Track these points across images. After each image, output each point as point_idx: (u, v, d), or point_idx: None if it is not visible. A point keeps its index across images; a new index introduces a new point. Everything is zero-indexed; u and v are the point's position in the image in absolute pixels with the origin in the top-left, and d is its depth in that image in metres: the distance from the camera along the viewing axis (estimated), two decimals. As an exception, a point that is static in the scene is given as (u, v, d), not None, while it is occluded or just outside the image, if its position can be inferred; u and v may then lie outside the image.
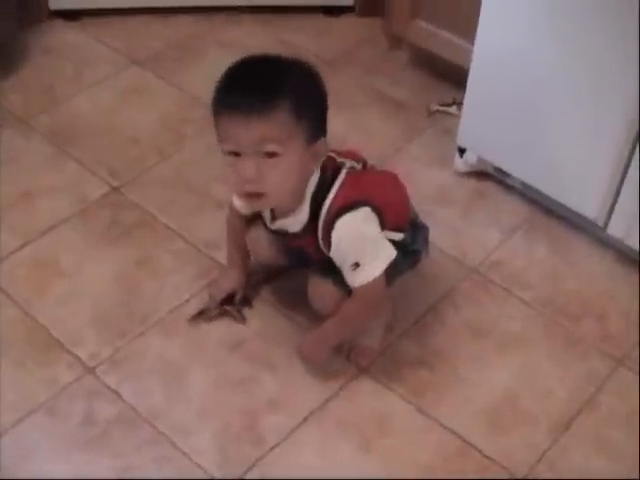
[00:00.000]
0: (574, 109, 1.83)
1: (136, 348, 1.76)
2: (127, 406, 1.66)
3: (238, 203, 1.75)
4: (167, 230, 2.00)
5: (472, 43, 1.95)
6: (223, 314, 1.82)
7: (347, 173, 1.61)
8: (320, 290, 1.66)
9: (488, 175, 2.14)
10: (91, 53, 2.50)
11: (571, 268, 1.96)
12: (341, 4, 2.66)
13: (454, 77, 2.26)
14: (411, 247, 1.70)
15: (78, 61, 2.47)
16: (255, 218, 1.75)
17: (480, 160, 2.10)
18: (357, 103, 2.37)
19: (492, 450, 1.63)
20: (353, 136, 2.21)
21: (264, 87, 1.49)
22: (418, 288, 1.88)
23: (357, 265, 1.56)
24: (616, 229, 1.91)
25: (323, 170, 1.60)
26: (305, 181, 1.57)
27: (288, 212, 1.62)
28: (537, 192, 2.03)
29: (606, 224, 1.92)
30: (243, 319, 1.82)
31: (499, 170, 2.09)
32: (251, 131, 1.47)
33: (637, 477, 1.60)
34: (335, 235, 1.57)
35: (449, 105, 2.33)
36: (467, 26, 1.99)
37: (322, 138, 1.56)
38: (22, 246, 1.94)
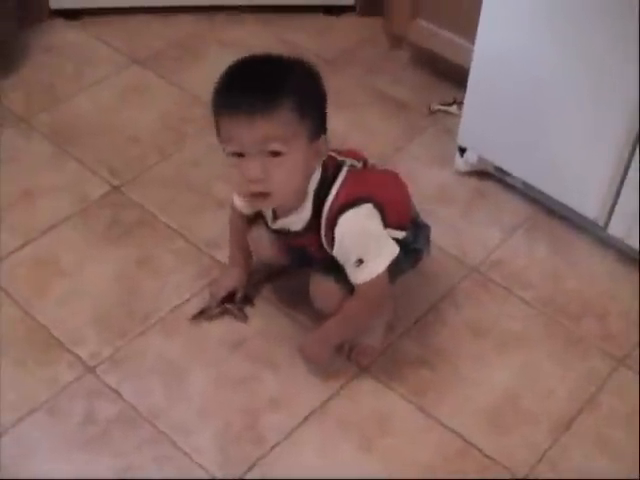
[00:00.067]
0: (574, 109, 1.83)
1: (137, 347, 1.76)
2: (127, 405, 1.66)
3: (239, 203, 1.75)
4: (168, 229, 2.00)
5: (473, 43, 1.95)
6: (224, 313, 1.82)
7: (348, 171, 1.62)
8: (322, 288, 1.66)
9: (489, 174, 2.14)
10: (92, 52, 2.50)
11: (572, 268, 1.97)
12: (342, 3, 2.66)
13: (455, 77, 2.26)
14: (413, 246, 1.70)
15: (79, 60, 2.47)
16: (257, 217, 1.75)
17: (481, 159, 2.10)
18: (358, 102, 2.37)
19: (493, 450, 1.63)
20: (354, 135, 2.21)
21: (266, 86, 1.49)
22: (419, 287, 1.88)
23: (361, 262, 1.56)
24: (617, 229, 1.91)
25: (324, 168, 1.60)
26: (308, 179, 1.58)
27: (290, 211, 1.62)
28: (538, 192, 2.03)
29: (607, 224, 1.92)
30: (244, 318, 1.82)
31: (500, 170, 2.09)
32: (255, 131, 1.47)
33: (637, 477, 1.60)
34: (338, 232, 1.57)
35: (450, 104, 2.33)
36: (468, 26, 1.99)
37: (323, 136, 1.56)
38: (22, 245, 1.94)
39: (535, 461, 1.62)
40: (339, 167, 1.61)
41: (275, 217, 1.67)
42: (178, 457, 1.59)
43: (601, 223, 1.93)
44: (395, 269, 1.62)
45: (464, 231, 2.03)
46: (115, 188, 2.09)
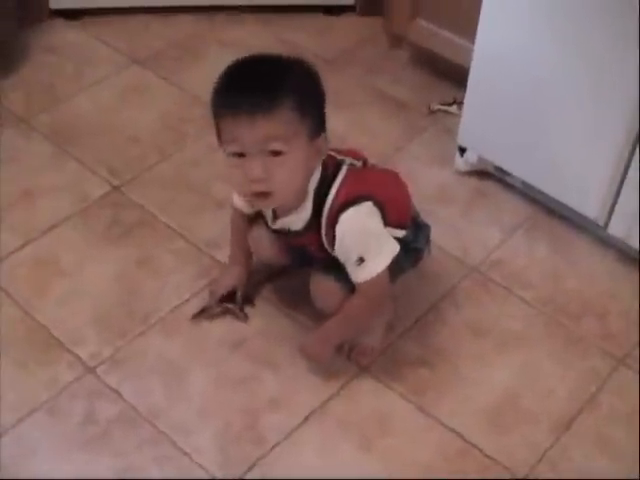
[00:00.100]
0: (574, 109, 1.83)
1: (137, 347, 1.76)
2: (128, 405, 1.66)
3: (239, 202, 1.75)
4: (168, 229, 2.00)
5: (473, 42, 1.95)
6: (225, 312, 1.82)
7: (348, 169, 1.62)
8: (322, 287, 1.66)
9: (489, 174, 2.14)
10: (92, 52, 2.50)
11: (572, 267, 1.96)
12: (342, 3, 2.66)
13: (455, 76, 2.26)
14: (413, 245, 1.70)
15: (79, 60, 2.47)
16: (257, 217, 1.75)
17: (481, 159, 2.10)
18: (357, 102, 2.37)
19: (493, 449, 1.63)
20: (354, 135, 2.21)
21: (266, 86, 1.49)
22: (419, 287, 1.88)
23: (362, 260, 1.57)
24: (617, 228, 1.91)
25: (324, 167, 1.60)
26: (308, 178, 1.58)
27: (290, 210, 1.62)
28: (538, 191, 2.03)
29: (607, 223, 1.92)
30: (245, 317, 1.82)
31: (500, 169, 2.09)
32: (256, 130, 1.47)
33: (637, 477, 1.60)
34: (339, 230, 1.57)
35: (450, 104, 2.33)
36: (468, 25, 1.99)
37: (323, 134, 1.57)
38: (23, 245, 1.94)
39: (535, 461, 1.62)
40: (339, 166, 1.62)
41: (275, 217, 1.67)
42: (178, 457, 1.59)
43: (601, 223, 1.93)
44: (395, 268, 1.62)
45: (464, 231, 2.03)
46: (115, 188, 2.09)
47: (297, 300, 1.83)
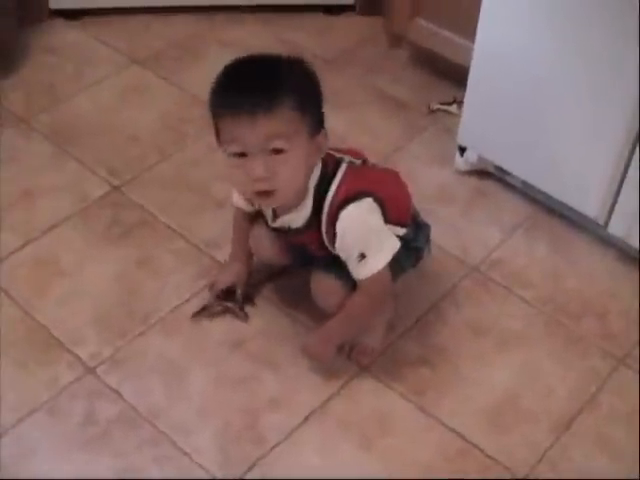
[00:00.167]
0: (574, 108, 1.83)
1: (137, 347, 1.76)
2: (128, 405, 1.66)
3: (239, 201, 1.76)
4: (167, 230, 2.00)
5: (472, 42, 1.95)
6: (225, 311, 1.82)
7: (348, 167, 1.62)
8: (323, 286, 1.66)
9: (489, 174, 2.14)
10: (92, 52, 2.50)
11: (572, 267, 1.96)
12: (341, 3, 2.66)
13: (454, 76, 2.26)
14: (413, 244, 1.70)
15: (79, 60, 2.47)
16: (257, 216, 1.75)
17: (481, 159, 2.10)
18: (357, 102, 2.37)
19: (493, 449, 1.63)
20: (354, 135, 2.21)
21: (265, 85, 1.49)
22: (419, 286, 1.88)
23: (363, 256, 1.57)
24: (617, 228, 1.91)
25: (324, 164, 1.60)
26: (309, 175, 1.58)
27: (291, 208, 1.62)
28: (538, 191, 2.03)
29: (607, 223, 1.92)
30: (245, 317, 1.82)
31: (500, 169, 2.08)
32: (257, 130, 1.47)
33: (637, 477, 1.60)
34: (340, 226, 1.57)
35: (449, 104, 2.33)
36: (467, 25, 1.99)
37: (323, 130, 1.57)
38: (23, 246, 1.94)
39: (535, 461, 1.61)
40: (338, 163, 1.62)
41: (275, 215, 1.67)
42: (178, 457, 1.59)
43: (601, 222, 1.92)
44: (396, 267, 1.62)
45: (464, 230, 2.03)
46: (115, 188, 2.09)
47: (297, 300, 1.83)
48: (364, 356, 1.75)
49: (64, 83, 2.39)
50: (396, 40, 2.51)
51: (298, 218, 1.63)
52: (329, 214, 1.59)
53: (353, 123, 2.28)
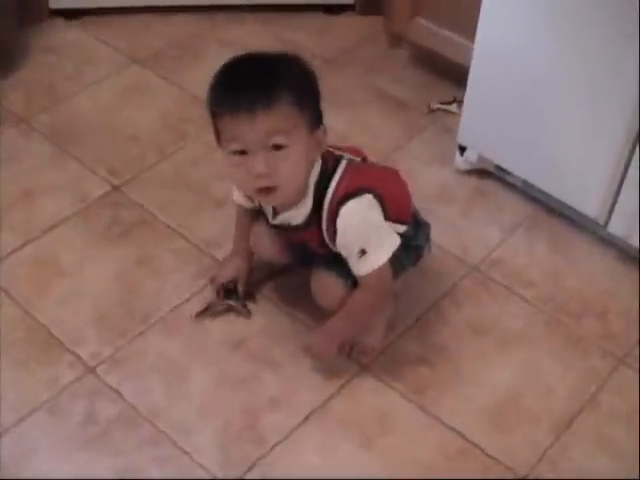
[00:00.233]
0: (574, 107, 1.83)
1: (137, 347, 1.76)
2: (128, 405, 1.66)
3: (239, 198, 1.76)
4: (167, 229, 2.00)
5: (472, 41, 1.95)
6: (228, 309, 1.82)
7: (348, 163, 1.62)
8: (324, 284, 1.66)
9: (489, 173, 2.14)
10: (92, 52, 2.50)
11: (572, 266, 1.96)
12: (341, 2, 2.66)
13: (454, 75, 2.26)
14: (413, 242, 1.70)
15: (79, 60, 2.47)
16: (258, 213, 1.76)
17: (481, 158, 2.10)
18: (357, 101, 2.37)
19: (493, 448, 1.63)
20: (354, 134, 2.21)
21: (262, 82, 1.49)
22: (420, 286, 1.88)
23: (363, 252, 1.57)
24: (617, 227, 1.91)
25: (324, 161, 1.61)
26: (309, 171, 1.58)
27: (291, 205, 1.62)
28: (538, 190, 2.03)
29: (607, 222, 1.91)
30: (248, 313, 1.82)
31: (500, 168, 2.08)
32: (257, 126, 1.48)
33: (638, 476, 1.60)
34: (340, 222, 1.57)
35: (449, 103, 2.33)
36: (467, 24, 1.99)
37: (322, 126, 1.57)
38: (23, 245, 1.94)
39: (536, 460, 1.61)
40: (338, 160, 1.62)
41: (275, 212, 1.67)
42: (178, 457, 1.59)
43: (601, 222, 1.92)
44: (396, 265, 1.62)
45: (464, 230, 2.03)
46: (115, 188, 2.09)
47: (297, 299, 1.83)
48: (364, 355, 1.76)
49: (64, 83, 2.39)
50: (396, 40, 2.51)
51: (298, 215, 1.63)
52: (329, 210, 1.59)
53: (353, 122, 2.28)
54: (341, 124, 2.20)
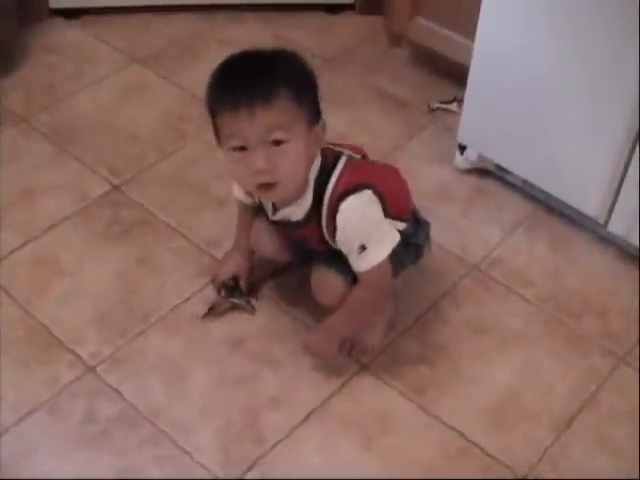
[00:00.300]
0: (575, 107, 1.83)
1: (137, 346, 1.76)
2: (128, 405, 1.66)
3: (239, 194, 1.76)
4: (167, 228, 2.00)
5: (472, 41, 1.95)
6: (233, 308, 1.82)
7: (347, 159, 1.63)
8: (323, 281, 1.66)
9: (489, 172, 2.14)
10: (92, 51, 2.50)
11: (572, 265, 1.96)
12: (341, 2, 2.66)
13: (455, 74, 2.26)
14: (413, 240, 1.70)
15: (79, 59, 2.47)
16: (259, 210, 1.76)
17: (481, 157, 2.10)
18: (357, 101, 2.37)
19: (494, 448, 1.63)
20: (354, 134, 2.21)
21: (260, 78, 1.50)
22: (419, 285, 1.88)
23: (363, 248, 1.57)
24: (617, 226, 1.91)
25: (324, 157, 1.61)
26: (309, 167, 1.58)
27: (291, 201, 1.62)
28: (538, 189, 2.03)
29: (607, 221, 1.92)
30: (252, 309, 1.82)
31: (500, 167, 2.08)
32: (256, 122, 1.48)
33: (638, 475, 1.60)
34: (340, 218, 1.57)
35: (450, 102, 2.33)
36: (468, 24, 1.99)
37: (321, 121, 1.57)
38: (23, 245, 1.94)
39: (536, 460, 1.61)
40: (338, 156, 1.62)
41: (275, 209, 1.67)
42: (178, 456, 1.59)
43: (601, 221, 1.92)
44: (396, 264, 1.62)
45: (464, 229, 2.03)
46: (115, 187, 2.09)
47: (298, 298, 1.83)
48: (364, 354, 1.76)
49: (64, 82, 2.39)
50: (396, 39, 2.51)
51: (298, 211, 1.63)
52: (329, 206, 1.59)
53: (353, 122, 2.28)
54: (341, 123, 2.20)
